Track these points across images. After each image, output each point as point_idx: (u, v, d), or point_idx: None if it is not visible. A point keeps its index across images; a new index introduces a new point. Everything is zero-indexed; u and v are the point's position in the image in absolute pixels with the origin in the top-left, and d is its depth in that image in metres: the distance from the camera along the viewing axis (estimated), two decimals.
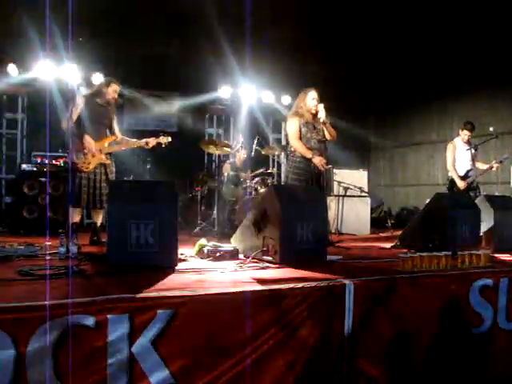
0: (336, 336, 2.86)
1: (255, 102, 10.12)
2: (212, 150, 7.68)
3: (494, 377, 3.37)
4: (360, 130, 11.72)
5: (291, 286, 2.82)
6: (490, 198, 5.27)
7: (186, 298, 2.51)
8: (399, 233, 5.74)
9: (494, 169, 7.16)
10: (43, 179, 7.12)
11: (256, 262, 3.80)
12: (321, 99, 5.35)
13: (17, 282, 2.85)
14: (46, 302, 2.24)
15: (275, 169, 7.72)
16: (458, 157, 7.16)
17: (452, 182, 7.15)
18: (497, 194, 8.14)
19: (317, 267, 3.51)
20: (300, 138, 5.29)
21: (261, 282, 2.96)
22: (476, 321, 3.37)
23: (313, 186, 5.16)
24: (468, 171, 7.09)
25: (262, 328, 2.62)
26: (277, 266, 3.70)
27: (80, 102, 5.26)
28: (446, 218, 4.55)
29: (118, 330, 2.30)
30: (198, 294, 2.56)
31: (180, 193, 8.01)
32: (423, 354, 3.12)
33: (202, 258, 4.09)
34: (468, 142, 7.14)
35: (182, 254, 4.03)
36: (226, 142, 7.91)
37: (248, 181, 7.24)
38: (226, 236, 5.90)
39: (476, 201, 5.17)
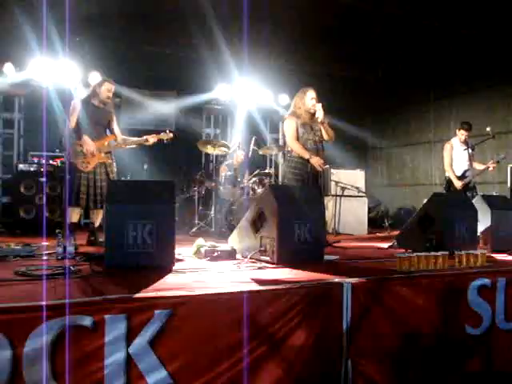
0: (334, 336, 2.85)
1: (252, 101, 10.11)
2: (209, 150, 7.68)
3: (494, 377, 3.37)
4: (357, 130, 11.74)
5: (289, 286, 2.81)
6: (487, 198, 5.28)
7: (183, 298, 2.50)
8: (396, 233, 5.75)
9: (490, 169, 7.18)
10: (40, 179, 7.11)
11: (253, 262, 3.81)
12: (318, 99, 5.34)
13: (14, 283, 2.84)
14: (43, 303, 2.23)
15: (272, 169, 7.72)
16: (455, 157, 7.17)
17: (449, 182, 7.16)
18: (494, 193, 8.17)
19: (314, 267, 3.52)
20: (297, 139, 5.28)
21: (258, 282, 2.96)
22: (475, 321, 3.37)
23: (310, 187, 5.15)
24: (465, 171, 7.10)
25: (260, 328, 2.62)
26: (274, 266, 3.70)
27: (77, 106, 5.25)
28: (444, 217, 4.56)
29: (115, 330, 2.29)
30: (196, 294, 2.55)
31: (177, 193, 8.01)
32: (422, 355, 3.12)
33: (199, 258, 4.09)
34: (465, 142, 7.15)
35: (179, 254, 4.03)
36: (224, 142, 7.90)
37: (245, 181, 7.24)
38: (223, 236, 5.91)
39: (473, 201, 5.18)
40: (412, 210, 9.75)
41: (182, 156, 9.17)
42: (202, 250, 4.13)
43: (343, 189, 8.23)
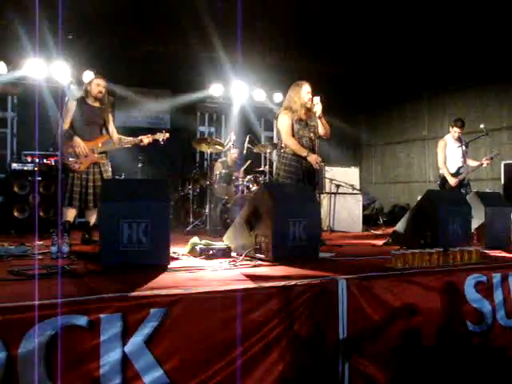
0: (331, 334, 2.85)
1: (247, 99, 10.12)
2: (204, 148, 7.67)
3: (494, 374, 3.37)
4: (351, 127, 11.78)
5: (284, 283, 2.82)
6: (481, 195, 5.30)
7: (178, 296, 2.50)
8: (391, 230, 5.76)
9: (484, 165, 7.21)
10: (34, 178, 7.08)
11: (248, 260, 3.81)
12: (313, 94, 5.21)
13: (7, 283, 2.83)
14: (38, 302, 2.22)
15: (267, 167, 7.71)
16: (448, 154, 7.18)
17: (443, 180, 7.18)
18: (487, 190, 8.21)
19: (309, 265, 3.52)
20: (293, 135, 5.11)
21: (253, 280, 2.96)
22: (476, 318, 3.38)
23: (305, 184, 5.07)
24: (459, 168, 7.12)
25: (256, 326, 2.62)
26: (269, 263, 3.70)
27: (72, 107, 5.23)
28: (438, 214, 4.57)
29: (110, 329, 2.29)
30: (191, 293, 2.55)
31: (172, 191, 8.00)
32: (423, 353, 3.11)
33: (194, 257, 4.09)
34: (459, 139, 7.16)
35: (174, 253, 4.03)
36: (218, 140, 7.90)
37: (240, 179, 7.24)
38: (218, 234, 5.91)
39: (467, 197, 5.20)
40: (406, 207, 9.79)
41: (177, 154, 9.16)
42: (197, 248, 4.12)
43: (338, 186, 8.24)
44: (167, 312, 2.42)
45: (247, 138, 7.75)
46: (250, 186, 7.07)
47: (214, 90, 9.68)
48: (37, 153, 7.50)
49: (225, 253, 4.04)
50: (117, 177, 7.32)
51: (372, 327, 2.96)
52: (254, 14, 7.58)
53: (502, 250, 4.70)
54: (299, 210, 3.96)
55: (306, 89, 5.14)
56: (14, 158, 8.46)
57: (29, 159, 7.51)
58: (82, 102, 5.31)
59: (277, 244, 3.77)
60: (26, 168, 7.29)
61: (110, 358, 2.28)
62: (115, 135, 5.49)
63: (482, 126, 7.19)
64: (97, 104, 5.36)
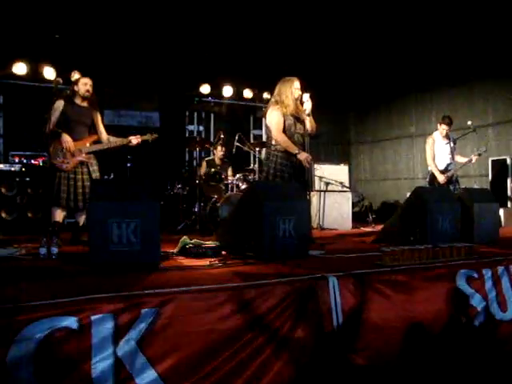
0: (325, 331, 2.84)
1: (235, 98, 10.12)
2: (193, 147, 7.65)
3: (494, 371, 3.39)
4: (340, 125, 11.81)
5: (274, 281, 2.82)
6: (469, 191, 5.34)
7: (170, 295, 2.49)
8: (380, 227, 5.78)
9: (472, 161, 7.26)
10: (23, 179, 7.03)
11: (239, 259, 3.80)
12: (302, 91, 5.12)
13: None
14: (27, 304, 2.20)
15: (256, 165, 7.70)
16: (437, 151, 7.23)
17: (432, 176, 7.22)
18: (475, 186, 8.27)
19: (299, 262, 3.53)
20: (284, 131, 4.97)
21: (244, 278, 2.96)
22: (470, 312, 3.41)
23: (295, 182, 4.98)
24: (447, 165, 7.17)
25: (248, 325, 2.61)
26: (259, 262, 3.70)
27: (59, 107, 5.19)
28: (427, 211, 4.60)
29: (102, 330, 2.27)
30: (182, 291, 2.55)
31: (161, 191, 7.97)
32: (420, 348, 3.13)
33: (184, 256, 4.08)
34: (446, 136, 7.21)
35: (164, 252, 4.01)
36: (206, 139, 7.89)
37: (230, 178, 7.23)
38: (208, 233, 5.91)
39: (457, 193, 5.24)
40: (395, 204, 9.84)
41: (166, 154, 9.12)
42: (188, 247, 4.12)
43: (327, 184, 8.25)
44: (159, 312, 2.41)
45: (236, 137, 7.74)
46: (240, 184, 7.06)
47: (203, 88, 9.67)
48: (24, 153, 7.44)
49: (215, 252, 4.03)
50: (105, 177, 7.28)
51: (364, 323, 2.97)
52: (243, 13, 7.58)
53: (491, 246, 4.73)
54: (289, 208, 3.96)
55: (296, 85, 5.07)
56: (1, 158, 8.38)
57: (16, 160, 7.45)
58: (69, 101, 5.27)
59: (266, 242, 3.77)
60: (13, 169, 7.23)
61: (102, 360, 2.26)
62: (104, 135, 5.46)
63: (469, 122, 7.25)
64: (85, 104, 5.33)
